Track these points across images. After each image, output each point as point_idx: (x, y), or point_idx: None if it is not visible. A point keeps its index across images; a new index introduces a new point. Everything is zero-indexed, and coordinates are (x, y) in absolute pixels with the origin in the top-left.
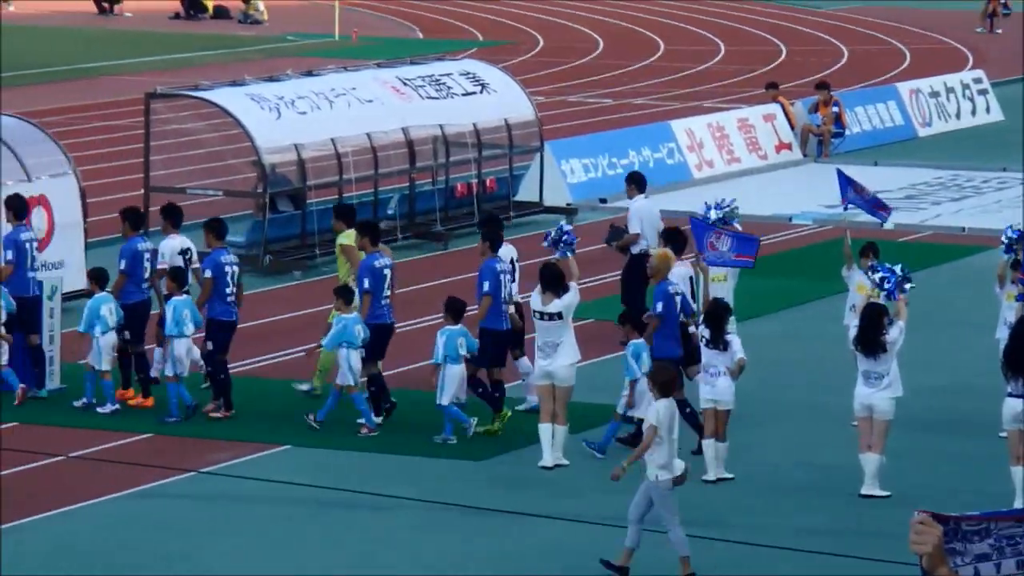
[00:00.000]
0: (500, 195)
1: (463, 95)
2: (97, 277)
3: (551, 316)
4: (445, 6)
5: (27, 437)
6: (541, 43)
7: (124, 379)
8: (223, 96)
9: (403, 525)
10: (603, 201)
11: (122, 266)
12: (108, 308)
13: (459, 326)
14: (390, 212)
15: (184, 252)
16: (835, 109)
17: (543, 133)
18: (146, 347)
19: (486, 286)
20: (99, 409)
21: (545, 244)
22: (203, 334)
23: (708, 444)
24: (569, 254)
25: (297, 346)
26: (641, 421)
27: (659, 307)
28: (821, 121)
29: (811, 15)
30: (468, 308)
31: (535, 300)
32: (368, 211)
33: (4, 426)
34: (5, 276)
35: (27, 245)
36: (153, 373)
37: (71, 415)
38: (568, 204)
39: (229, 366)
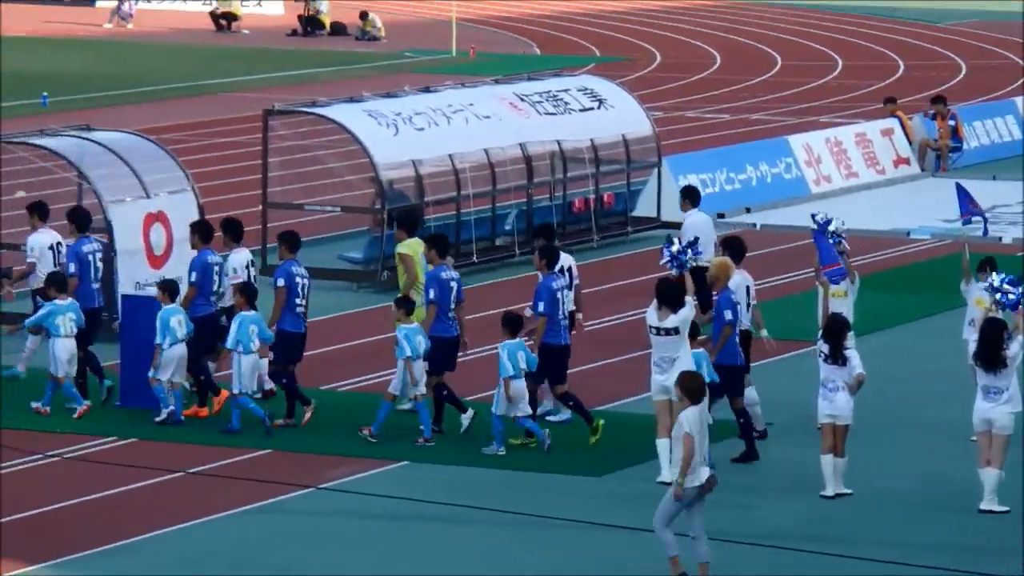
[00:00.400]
0: (617, 210)
1: (580, 111)
2: (168, 289)
3: (667, 331)
4: (563, 22)
5: (146, 453)
6: (659, 59)
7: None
8: (341, 112)
9: (521, 540)
10: (721, 216)
11: (192, 278)
12: (178, 320)
13: (518, 340)
14: (508, 228)
15: (250, 265)
16: (952, 123)
17: (661, 148)
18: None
19: (541, 307)
20: (158, 418)
21: (662, 261)
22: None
23: (827, 460)
24: (684, 269)
25: None
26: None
27: (727, 315)
28: (938, 135)
29: (930, 30)
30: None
31: (651, 315)
32: (486, 227)
33: (123, 442)
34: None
35: (89, 257)
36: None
37: (188, 432)
38: None
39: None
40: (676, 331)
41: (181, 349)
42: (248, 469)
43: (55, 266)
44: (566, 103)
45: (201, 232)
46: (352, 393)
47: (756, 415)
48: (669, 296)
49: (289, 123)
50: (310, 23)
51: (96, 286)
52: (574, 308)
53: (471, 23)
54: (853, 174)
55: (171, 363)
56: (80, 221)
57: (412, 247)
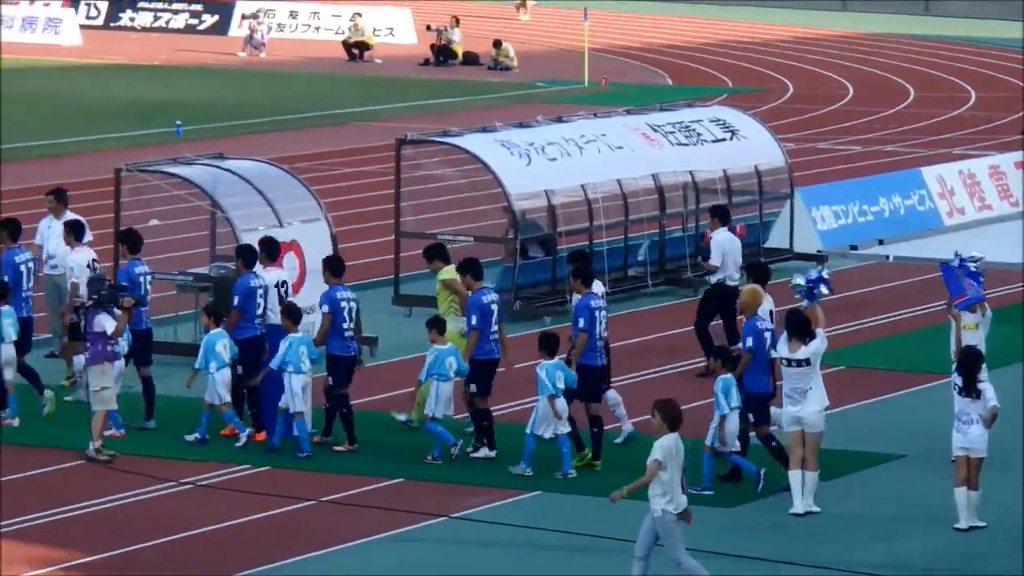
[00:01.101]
0: (750, 241)
1: (713, 141)
2: (213, 313)
3: (799, 363)
4: (695, 52)
5: (280, 481)
6: (791, 89)
7: (243, 416)
8: (474, 142)
9: (655, 571)
10: (853, 248)
11: (235, 302)
12: (223, 344)
13: (556, 360)
14: (640, 259)
15: (280, 285)
16: None
17: (793, 179)
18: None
19: (581, 323)
20: (237, 445)
21: (796, 295)
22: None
23: (960, 492)
24: (816, 301)
25: None
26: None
27: (749, 342)
28: None
29: None
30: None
31: (782, 347)
32: (618, 257)
33: (256, 470)
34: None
35: (140, 279)
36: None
37: (323, 460)
38: (818, 251)
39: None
40: (807, 362)
41: (227, 373)
42: (381, 497)
43: None
44: (699, 134)
45: (245, 257)
46: (495, 423)
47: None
48: (799, 328)
49: (422, 152)
50: (442, 52)
51: (145, 309)
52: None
53: (603, 53)
54: (987, 206)
55: (222, 386)
56: (132, 243)
57: (452, 272)
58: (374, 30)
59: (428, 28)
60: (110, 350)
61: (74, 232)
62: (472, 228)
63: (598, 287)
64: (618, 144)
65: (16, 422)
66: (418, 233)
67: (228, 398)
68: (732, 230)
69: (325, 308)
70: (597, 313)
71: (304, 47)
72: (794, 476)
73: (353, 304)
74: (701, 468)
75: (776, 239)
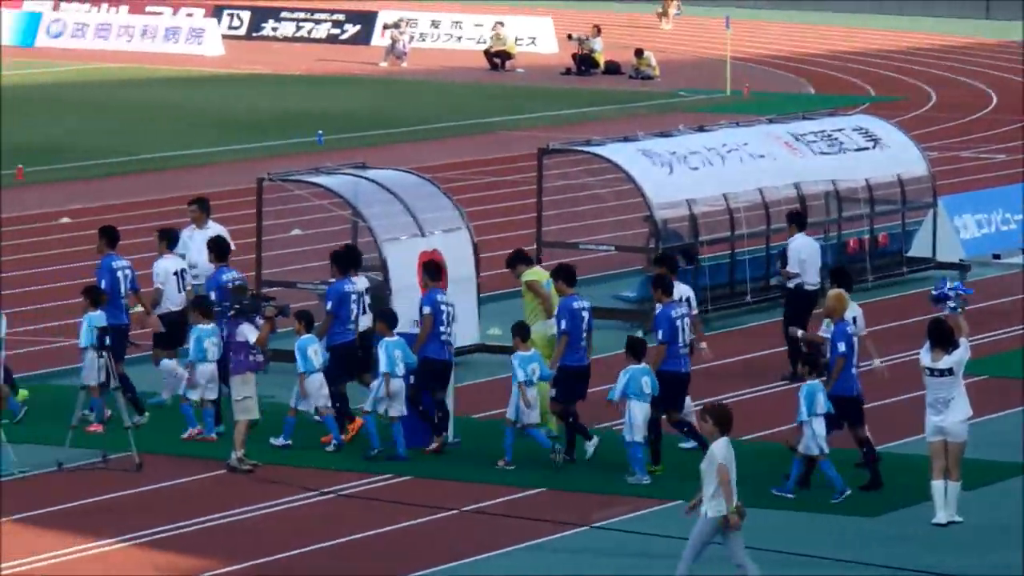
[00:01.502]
0: (892, 250)
1: (855, 150)
2: (305, 319)
3: (941, 372)
4: (837, 61)
5: (421, 490)
6: (934, 98)
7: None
8: (615, 151)
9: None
10: (996, 257)
11: (329, 307)
12: (314, 349)
13: (642, 365)
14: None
15: (365, 292)
16: None
17: (936, 188)
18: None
19: (660, 334)
20: (327, 449)
21: (934, 304)
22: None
23: (937, 485)
24: (958, 310)
25: (709, 397)
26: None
27: (841, 347)
28: None
29: None
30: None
31: (924, 356)
32: (760, 267)
33: (399, 479)
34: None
35: (229, 285)
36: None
37: (462, 469)
38: (961, 260)
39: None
40: (950, 372)
41: (319, 378)
42: (522, 507)
43: (179, 291)
44: (841, 143)
45: (340, 262)
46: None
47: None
48: (942, 337)
49: (564, 162)
50: (584, 62)
51: (124, 302)
52: (694, 337)
53: (745, 62)
54: None
55: (311, 391)
56: (220, 251)
57: (537, 273)
58: (516, 39)
59: (569, 37)
60: (252, 360)
61: (166, 240)
62: (613, 237)
63: (685, 289)
64: (760, 153)
65: (101, 429)
66: (560, 243)
67: (326, 402)
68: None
69: (427, 310)
70: (679, 322)
71: (446, 56)
72: (937, 486)
73: (451, 308)
74: (789, 473)
75: (919, 248)
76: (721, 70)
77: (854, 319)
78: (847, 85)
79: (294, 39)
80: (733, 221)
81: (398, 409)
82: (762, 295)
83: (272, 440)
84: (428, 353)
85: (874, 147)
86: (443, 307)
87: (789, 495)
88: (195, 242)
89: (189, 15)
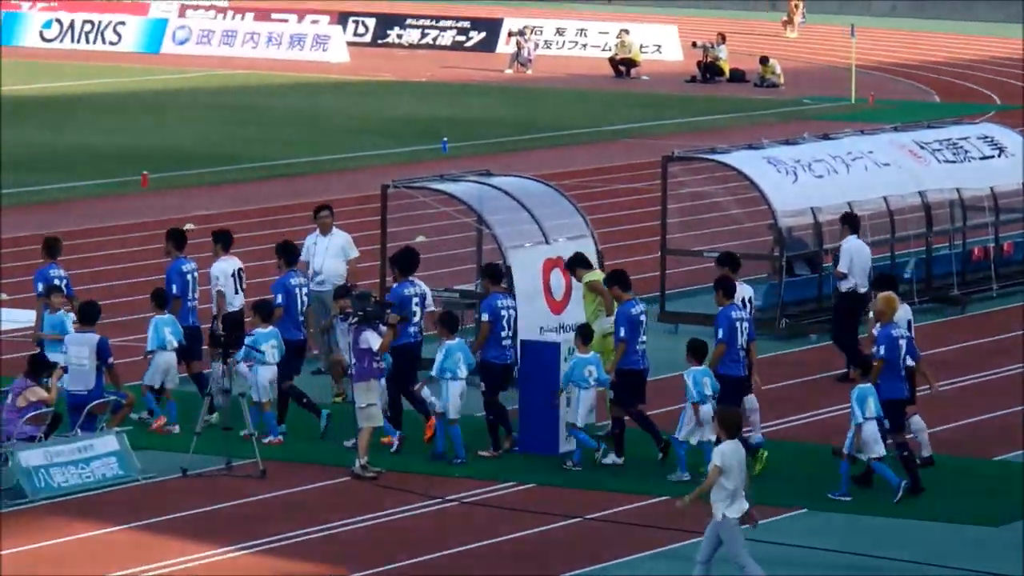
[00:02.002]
0: (1017, 259)
1: (980, 159)
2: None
3: None
4: (962, 69)
5: (546, 498)
6: None
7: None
8: (740, 159)
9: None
10: None
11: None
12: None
13: (703, 367)
14: (907, 276)
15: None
16: None
17: None
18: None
19: (720, 334)
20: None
21: None
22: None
23: None
24: None
25: (817, 409)
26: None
27: (881, 351)
28: None
29: None
30: None
31: None
32: None
33: (523, 487)
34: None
35: (296, 290)
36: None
37: (587, 478)
38: None
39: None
40: None
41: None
42: (646, 515)
43: (236, 292)
44: (966, 151)
45: (401, 265)
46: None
47: (922, 442)
48: None
49: (688, 169)
50: (709, 69)
51: (301, 319)
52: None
53: (870, 70)
54: None
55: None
56: (289, 255)
57: (596, 275)
58: (641, 47)
59: (694, 45)
60: (376, 367)
61: (221, 242)
62: (737, 245)
63: (747, 290)
64: (885, 161)
65: (176, 428)
66: (684, 250)
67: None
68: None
69: (485, 317)
70: (738, 324)
71: (571, 64)
72: None
73: (512, 312)
74: (839, 476)
75: None
76: (846, 78)
77: (909, 323)
78: (972, 93)
79: (419, 46)
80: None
81: (453, 413)
82: None
83: (346, 443)
84: (488, 357)
85: (999, 156)
86: (503, 311)
87: (846, 498)
88: (319, 249)
89: (314, 22)
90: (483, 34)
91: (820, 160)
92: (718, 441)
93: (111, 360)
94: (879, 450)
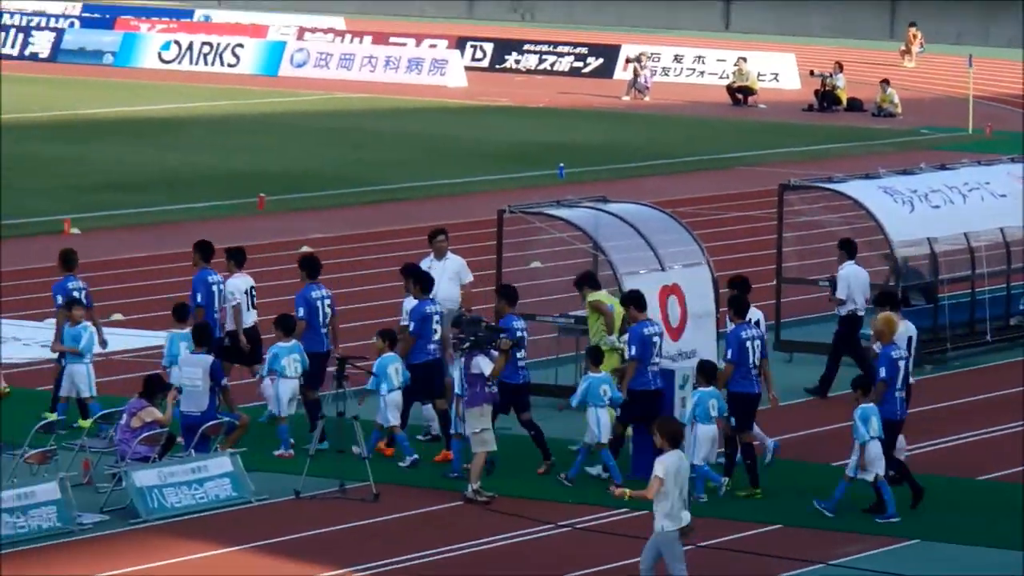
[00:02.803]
0: None
1: None
2: (389, 338)
3: None
4: None
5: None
6: None
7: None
8: (856, 188)
9: None
10: None
11: (411, 327)
12: (395, 368)
13: (711, 388)
14: (1022, 308)
15: (249, 291)
16: None
17: None
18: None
19: (729, 354)
20: (400, 464)
21: None
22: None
23: None
24: None
25: (949, 435)
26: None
27: (883, 372)
28: None
29: None
30: None
31: None
32: (1000, 306)
33: (634, 514)
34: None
35: (318, 303)
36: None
37: (699, 507)
38: None
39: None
40: None
41: (397, 396)
42: (757, 543)
43: (248, 309)
44: None
45: (420, 282)
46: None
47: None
48: None
49: (805, 198)
50: (826, 98)
51: (324, 331)
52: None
53: (987, 101)
54: None
55: (392, 408)
56: (310, 268)
57: (601, 296)
58: (758, 75)
59: (812, 73)
60: (488, 391)
61: (235, 259)
62: None
63: (756, 312)
64: (1001, 192)
65: (291, 453)
66: (799, 279)
67: (397, 421)
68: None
69: (300, 312)
70: (749, 343)
71: (688, 91)
72: None
73: (524, 334)
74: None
75: None
76: (963, 108)
77: (909, 339)
78: None
79: (536, 71)
80: (974, 260)
81: (459, 428)
82: (1002, 334)
83: (401, 464)
84: (503, 377)
85: None
86: (518, 332)
87: (829, 513)
88: (434, 273)
89: (432, 46)
90: (600, 60)
91: (936, 190)
92: (660, 452)
93: (224, 381)
94: (881, 468)
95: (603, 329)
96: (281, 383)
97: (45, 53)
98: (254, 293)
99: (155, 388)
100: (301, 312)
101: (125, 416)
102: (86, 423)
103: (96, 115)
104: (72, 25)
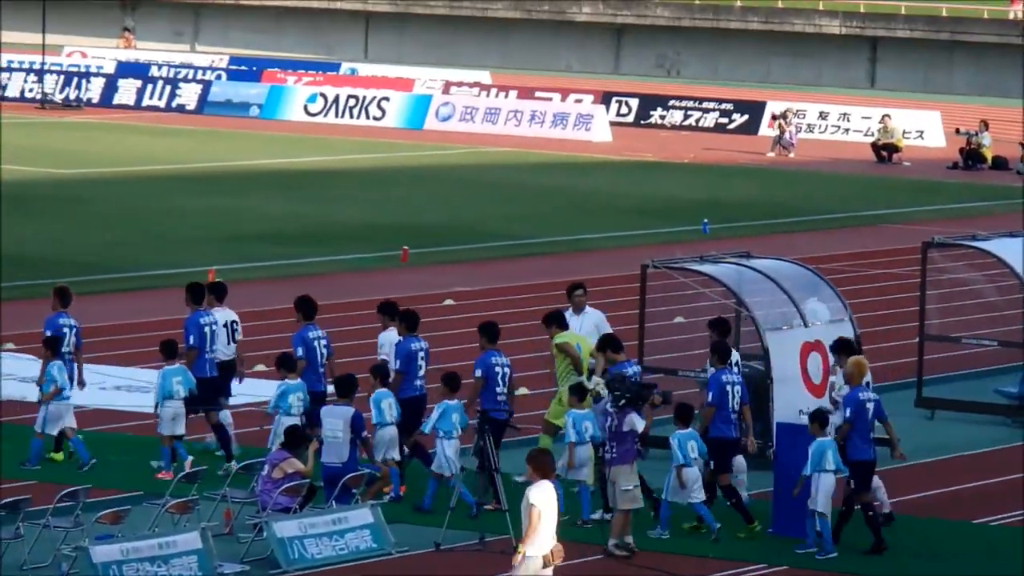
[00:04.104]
0: None
1: None
2: (380, 374)
3: None
4: None
5: None
6: None
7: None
8: (1000, 247)
9: None
10: None
11: (397, 365)
12: (388, 403)
13: (689, 429)
14: None
15: (229, 325)
16: None
17: None
18: None
19: (710, 397)
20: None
21: None
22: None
23: None
24: None
25: None
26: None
27: (847, 413)
28: None
29: None
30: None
31: None
32: None
33: (772, 569)
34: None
35: (314, 343)
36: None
37: (845, 562)
38: None
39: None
40: None
41: (391, 431)
42: None
43: (229, 342)
44: None
45: (406, 321)
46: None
47: (882, 501)
48: None
49: (948, 256)
50: (971, 156)
51: (322, 370)
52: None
53: None
54: None
55: (385, 445)
56: (306, 310)
57: (568, 336)
58: (903, 132)
59: (957, 132)
60: (636, 448)
61: (215, 293)
62: (996, 332)
63: (736, 356)
64: None
65: (170, 475)
66: (942, 336)
67: (395, 455)
68: None
69: (479, 372)
70: (729, 388)
71: (833, 148)
72: None
73: (508, 370)
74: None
75: None
76: None
77: (867, 383)
78: None
79: (681, 127)
80: None
81: (452, 469)
82: None
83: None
84: (484, 408)
85: None
86: (498, 368)
87: (812, 549)
88: (572, 326)
89: (578, 101)
90: (745, 117)
91: None
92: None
93: (365, 433)
94: (824, 506)
95: (570, 370)
96: (285, 420)
97: (192, 105)
98: (236, 327)
99: (297, 440)
100: (300, 352)
101: (267, 467)
102: (58, 456)
103: (242, 167)
104: (219, 77)
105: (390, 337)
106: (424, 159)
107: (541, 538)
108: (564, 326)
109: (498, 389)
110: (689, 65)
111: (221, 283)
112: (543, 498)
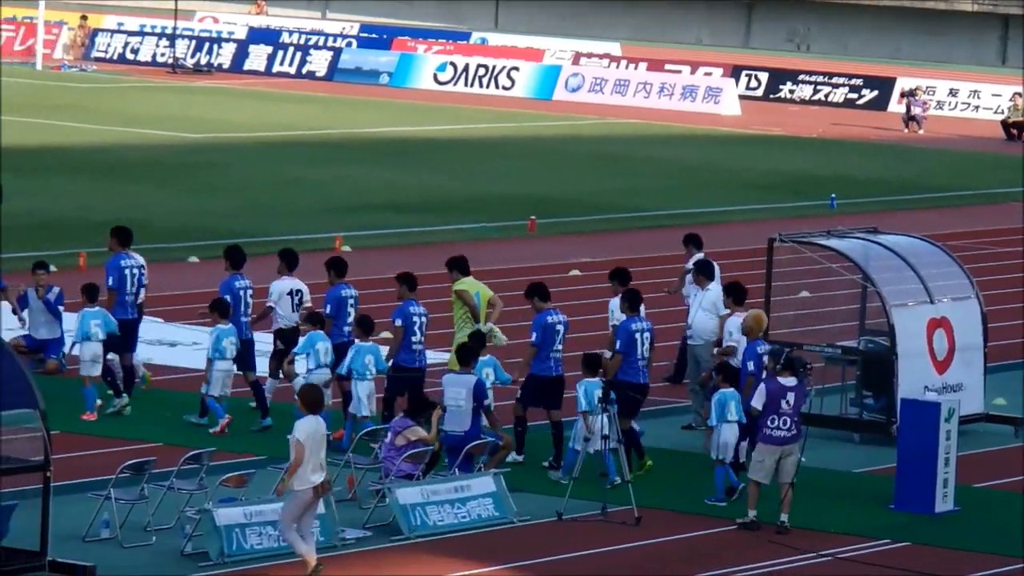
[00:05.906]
0: None
1: None
2: (363, 325)
3: None
4: None
5: (919, 556)
6: None
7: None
8: None
9: None
10: None
11: (328, 310)
12: (370, 358)
13: (596, 379)
14: None
15: (294, 293)
16: None
17: None
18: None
19: (618, 344)
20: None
21: None
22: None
23: None
24: None
25: None
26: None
27: (751, 366)
28: None
29: None
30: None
31: None
32: None
33: (895, 545)
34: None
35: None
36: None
37: (957, 538)
38: None
39: None
40: None
41: (370, 385)
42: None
43: (293, 310)
44: None
45: (407, 282)
46: None
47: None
48: None
49: None
50: None
51: (347, 328)
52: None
53: None
54: None
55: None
56: (337, 268)
57: (467, 284)
58: None
59: None
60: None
61: (285, 261)
62: None
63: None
64: None
65: (95, 417)
66: None
67: (370, 411)
68: None
69: (398, 322)
70: (638, 336)
71: (962, 125)
72: None
73: (424, 319)
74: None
75: None
76: None
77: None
78: None
79: (811, 102)
80: None
81: (364, 411)
82: None
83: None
84: (399, 361)
85: None
86: (415, 318)
87: (721, 503)
88: (694, 302)
89: (707, 74)
90: (875, 92)
91: None
92: (299, 416)
93: (488, 401)
94: (730, 455)
95: (467, 319)
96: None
97: (322, 72)
98: (304, 298)
99: (421, 408)
100: (328, 310)
101: (390, 434)
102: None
103: (371, 135)
104: (349, 45)
105: (280, 287)
106: (553, 129)
107: (305, 471)
108: (466, 272)
109: (414, 339)
110: (819, 40)
111: (292, 252)
112: (308, 431)
